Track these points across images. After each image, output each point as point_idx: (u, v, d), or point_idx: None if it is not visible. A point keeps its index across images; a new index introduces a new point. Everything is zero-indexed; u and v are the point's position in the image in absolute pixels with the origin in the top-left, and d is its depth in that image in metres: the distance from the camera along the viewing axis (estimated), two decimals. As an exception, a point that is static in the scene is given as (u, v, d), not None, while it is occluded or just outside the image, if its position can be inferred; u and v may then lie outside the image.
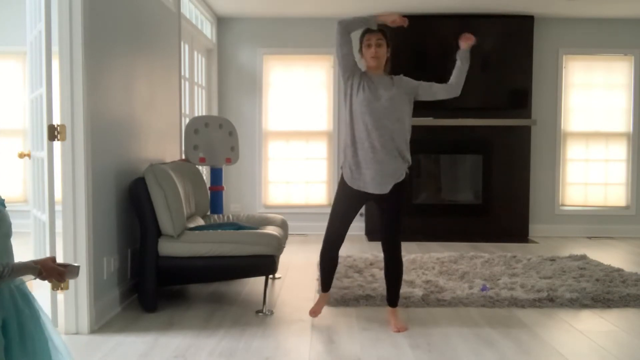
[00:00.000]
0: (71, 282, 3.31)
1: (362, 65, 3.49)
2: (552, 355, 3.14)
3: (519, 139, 6.89)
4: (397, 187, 3.41)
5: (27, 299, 1.94)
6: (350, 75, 3.43)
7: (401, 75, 3.50)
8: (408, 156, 3.46)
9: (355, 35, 3.43)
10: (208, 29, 6.71)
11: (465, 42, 3.44)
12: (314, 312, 3.65)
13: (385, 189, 3.39)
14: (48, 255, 3.30)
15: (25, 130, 6.64)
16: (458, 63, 3.46)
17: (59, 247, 3.34)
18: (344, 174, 3.50)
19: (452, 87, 3.48)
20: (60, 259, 3.31)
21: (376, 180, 3.38)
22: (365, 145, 3.37)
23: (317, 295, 3.90)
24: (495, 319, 3.73)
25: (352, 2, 6.15)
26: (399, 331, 3.44)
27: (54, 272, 1.95)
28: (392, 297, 3.57)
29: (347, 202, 3.51)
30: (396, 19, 3.39)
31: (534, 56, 6.88)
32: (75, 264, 2.04)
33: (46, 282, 2.02)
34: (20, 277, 1.94)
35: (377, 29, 3.44)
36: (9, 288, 1.88)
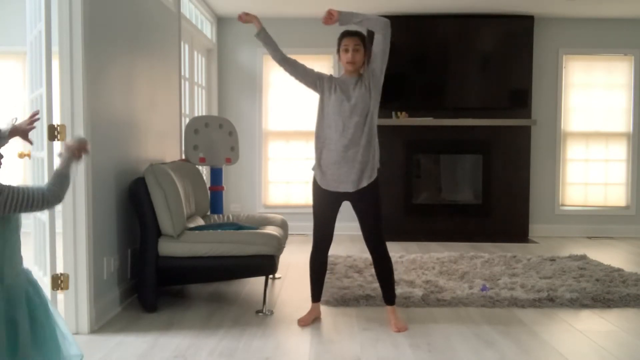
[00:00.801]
0: (71, 282, 3.32)
1: (339, 65, 3.50)
2: (552, 355, 3.14)
3: (519, 139, 6.89)
4: (370, 187, 3.43)
5: (36, 287, 1.97)
6: (319, 83, 3.47)
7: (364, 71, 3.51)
8: (376, 144, 3.47)
9: (333, 35, 3.39)
10: (208, 29, 6.71)
11: (327, 21, 3.33)
12: (303, 322, 3.59)
13: (358, 185, 3.41)
14: (48, 255, 3.31)
15: (25, 130, 6.64)
16: (345, 21, 3.33)
17: (59, 247, 3.34)
18: (315, 176, 3.51)
19: (376, 29, 3.33)
20: (60, 259, 3.34)
21: (350, 178, 3.40)
22: (338, 145, 3.39)
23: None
24: (495, 319, 3.73)
25: (351, 2, 6.15)
26: (399, 331, 3.44)
27: (79, 149, 2.10)
28: (388, 296, 3.57)
29: (324, 204, 3.52)
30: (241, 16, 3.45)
31: (534, 56, 6.88)
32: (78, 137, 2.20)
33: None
34: (28, 268, 1.99)
35: (355, 33, 3.45)
36: (20, 278, 1.91)
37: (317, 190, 3.52)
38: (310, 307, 3.67)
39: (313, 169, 3.54)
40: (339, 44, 3.48)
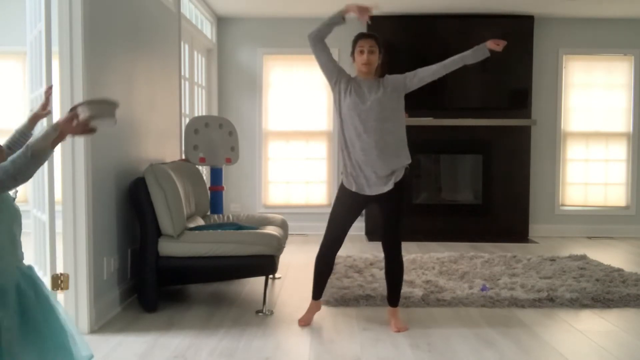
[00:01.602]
0: (71, 282, 3.31)
1: (353, 68, 3.50)
2: (552, 355, 3.14)
3: (519, 139, 6.89)
4: (398, 187, 3.40)
5: (34, 283, 1.91)
6: (336, 80, 3.45)
7: (387, 76, 3.48)
8: (405, 153, 3.46)
9: (348, 37, 3.44)
10: (208, 29, 6.71)
11: (495, 46, 3.39)
12: (304, 321, 3.58)
13: (383, 188, 3.39)
14: (48, 255, 3.30)
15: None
16: (468, 53, 3.42)
17: (59, 247, 3.34)
18: (343, 179, 3.50)
19: (441, 68, 3.42)
20: (60, 259, 3.33)
21: (372, 181, 3.39)
22: (357, 147, 3.38)
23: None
24: (495, 319, 3.73)
25: (351, 2, 6.13)
26: (399, 331, 3.44)
27: (78, 128, 1.81)
28: (393, 298, 3.57)
29: (347, 206, 3.50)
30: (362, 10, 3.33)
31: (534, 56, 6.88)
32: (104, 101, 1.87)
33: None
34: (30, 265, 1.94)
35: (370, 35, 3.45)
36: (18, 274, 1.86)
37: (343, 190, 3.50)
38: (309, 305, 3.67)
39: (342, 172, 3.53)
40: (354, 46, 3.46)
